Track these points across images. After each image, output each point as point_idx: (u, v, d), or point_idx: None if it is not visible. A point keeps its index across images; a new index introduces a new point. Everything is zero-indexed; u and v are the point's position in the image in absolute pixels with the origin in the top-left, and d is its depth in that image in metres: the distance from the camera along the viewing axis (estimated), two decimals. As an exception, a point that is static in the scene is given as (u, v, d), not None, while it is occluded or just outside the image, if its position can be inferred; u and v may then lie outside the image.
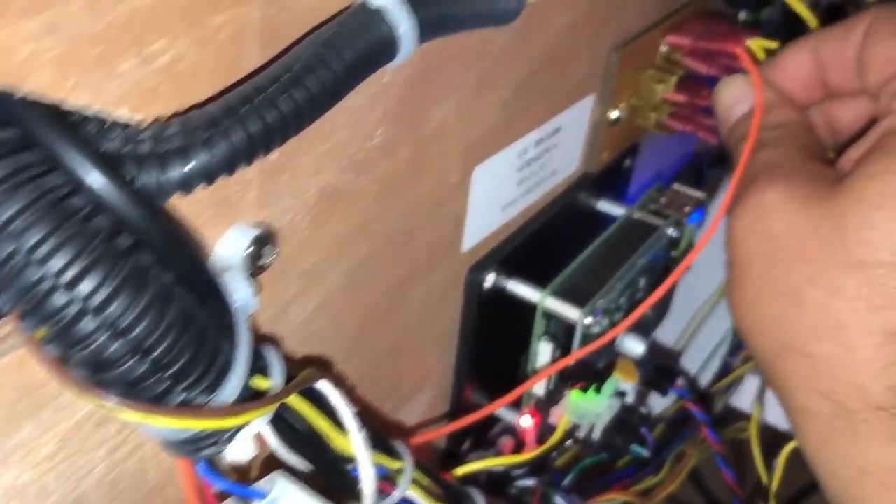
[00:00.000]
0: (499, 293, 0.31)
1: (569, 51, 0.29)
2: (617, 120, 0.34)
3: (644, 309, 0.30)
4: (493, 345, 0.33)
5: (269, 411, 0.18)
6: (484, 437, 0.36)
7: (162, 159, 0.15)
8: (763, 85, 0.28)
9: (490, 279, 0.30)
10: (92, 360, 0.14)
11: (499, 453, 0.34)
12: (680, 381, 0.38)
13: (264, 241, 0.19)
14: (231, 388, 0.17)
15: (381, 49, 0.18)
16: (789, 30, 0.42)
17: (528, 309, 0.32)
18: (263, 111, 0.16)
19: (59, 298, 0.14)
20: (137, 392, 0.15)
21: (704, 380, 0.53)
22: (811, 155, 0.25)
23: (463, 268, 0.29)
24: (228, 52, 0.16)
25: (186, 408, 0.16)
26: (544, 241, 0.34)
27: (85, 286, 0.14)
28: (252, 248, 0.18)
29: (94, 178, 0.14)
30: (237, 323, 0.17)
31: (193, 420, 0.16)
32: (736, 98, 0.28)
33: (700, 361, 0.54)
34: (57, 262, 0.14)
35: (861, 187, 0.22)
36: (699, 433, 0.47)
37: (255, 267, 0.18)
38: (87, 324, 0.14)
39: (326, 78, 0.17)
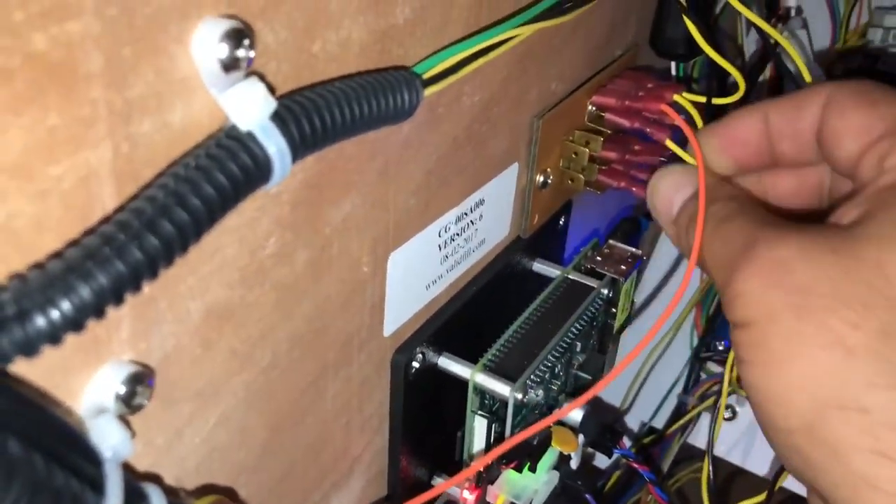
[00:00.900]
0: (429, 371, 0.31)
1: (485, 126, 0.29)
2: (545, 184, 0.34)
3: (593, 394, 0.29)
4: (427, 421, 0.32)
5: (145, 565, 0.17)
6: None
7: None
8: (705, 151, 0.28)
9: (418, 359, 0.30)
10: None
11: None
12: (625, 440, 0.38)
13: (140, 378, 0.18)
14: (98, 550, 0.16)
15: (253, 174, 0.17)
16: (720, 84, 0.42)
17: (460, 384, 0.31)
18: (128, 249, 0.15)
19: None
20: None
21: (660, 421, 0.53)
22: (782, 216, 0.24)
23: (387, 351, 0.29)
24: (76, 200, 0.15)
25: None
26: (477, 311, 0.33)
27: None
28: (126, 388, 0.17)
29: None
30: (107, 475, 0.16)
31: None
32: (675, 186, 0.28)
33: (655, 402, 0.53)
34: None
35: (891, 230, 0.21)
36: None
37: (130, 407, 0.17)
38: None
39: (194, 209, 0.16)
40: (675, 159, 0.33)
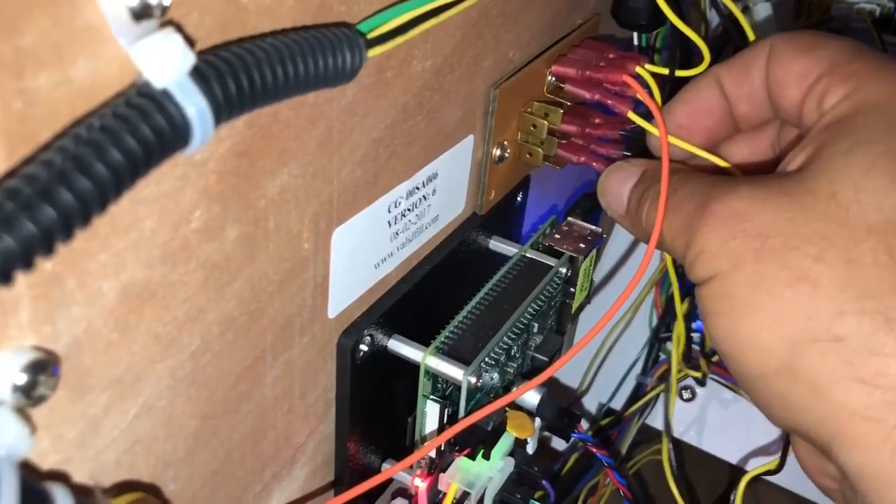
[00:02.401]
0: (378, 354, 0.29)
1: (438, 93, 0.27)
2: (502, 157, 0.32)
3: (549, 375, 0.28)
4: (377, 406, 0.30)
5: (46, 576, 0.15)
6: (375, 499, 0.33)
7: None
8: (671, 125, 0.28)
9: (367, 341, 0.28)
10: None
11: (392, 518, 0.32)
12: (582, 424, 0.37)
13: (42, 366, 0.16)
14: (-13, 562, 0.14)
15: (168, 137, 0.15)
16: (683, 54, 0.41)
17: (412, 367, 0.29)
18: (18, 219, 0.13)
19: None
20: None
21: (618, 402, 0.52)
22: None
23: (333, 334, 0.27)
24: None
25: None
26: (432, 290, 0.31)
27: None
28: (26, 377, 0.15)
29: None
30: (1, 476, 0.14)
31: None
32: (621, 181, 0.27)
33: (613, 384, 0.52)
34: None
35: (841, 162, 0.21)
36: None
37: (31, 398, 0.16)
38: None
39: (98, 175, 0.14)
40: (638, 132, 0.32)
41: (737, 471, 0.53)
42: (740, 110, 0.27)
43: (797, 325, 0.20)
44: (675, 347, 0.45)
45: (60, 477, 0.18)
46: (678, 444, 0.52)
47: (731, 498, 0.43)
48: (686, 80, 0.38)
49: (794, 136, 0.27)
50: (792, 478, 0.50)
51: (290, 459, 0.27)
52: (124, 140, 0.14)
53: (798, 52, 0.24)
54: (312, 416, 0.28)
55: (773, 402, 0.21)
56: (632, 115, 0.32)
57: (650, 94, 0.31)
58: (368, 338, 0.28)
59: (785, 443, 0.44)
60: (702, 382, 0.49)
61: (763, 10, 0.45)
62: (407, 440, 0.32)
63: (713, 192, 0.22)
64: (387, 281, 0.29)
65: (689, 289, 0.44)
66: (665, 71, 0.34)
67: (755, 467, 0.39)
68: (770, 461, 0.42)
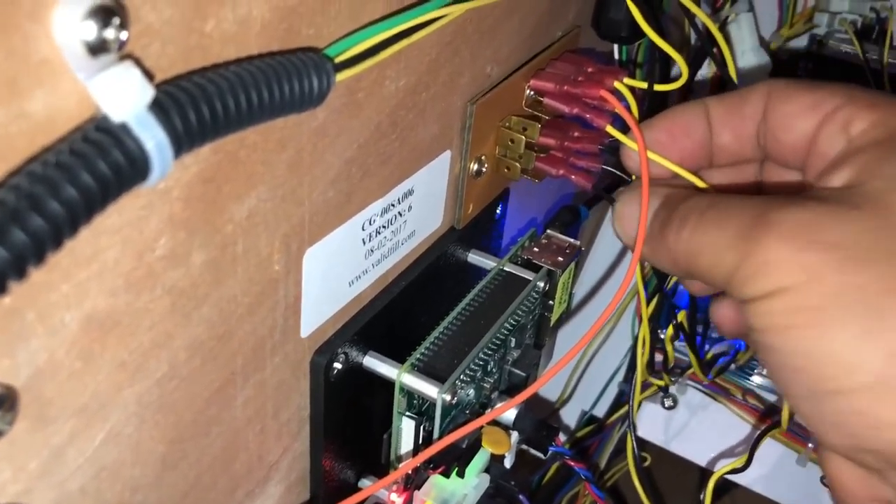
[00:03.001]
0: (353, 371, 0.29)
1: (412, 112, 0.27)
2: (479, 172, 0.32)
3: (527, 396, 0.28)
4: (351, 423, 0.30)
5: None
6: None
7: None
8: (648, 143, 0.28)
9: (341, 359, 0.28)
10: None
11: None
12: (560, 437, 0.37)
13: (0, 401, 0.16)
14: None
15: (125, 172, 0.15)
16: (663, 70, 0.41)
17: (387, 385, 0.29)
18: None
19: None
20: None
21: (601, 410, 0.52)
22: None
23: (306, 353, 0.27)
24: None
25: None
26: (407, 307, 0.31)
27: None
28: (-19, 413, 0.15)
29: None
30: (-47, 515, 0.14)
31: None
32: (638, 203, 0.27)
33: (596, 391, 0.52)
34: None
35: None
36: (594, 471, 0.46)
37: (-13, 434, 0.15)
38: None
39: (52, 213, 0.14)
40: (616, 147, 0.32)
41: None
42: (722, 141, 0.27)
43: (893, 336, 0.19)
44: (638, 353, 0.46)
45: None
46: (661, 453, 0.52)
47: (701, 497, 0.44)
48: (665, 94, 0.38)
49: (787, 171, 0.27)
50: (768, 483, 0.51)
51: (263, 478, 0.27)
52: (80, 177, 0.14)
53: (803, 89, 0.25)
54: (286, 435, 0.28)
55: (851, 419, 0.20)
56: (610, 129, 0.32)
57: (628, 108, 0.31)
58: (343, 356, 0.28)
59: (754, 443, 0.44)
60: (664, 391, 0.49)
61: (746, 21, 0.45)
62: (382, 457, 0.32)
63: (768, 206, 0.22)
64: (361, 298, 0.29)
65: (656, 293, 0.44)
66: (644, 85, 0.34)
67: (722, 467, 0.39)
68: (736, 460, 0.43)
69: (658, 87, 0.34)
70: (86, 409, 0.19)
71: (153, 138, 0.15)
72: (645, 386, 0.50)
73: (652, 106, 0.38)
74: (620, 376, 0.53)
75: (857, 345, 0.20)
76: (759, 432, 0.46)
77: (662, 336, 0.48)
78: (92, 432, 0.19)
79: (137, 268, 0.18)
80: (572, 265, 0.36)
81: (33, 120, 0.15)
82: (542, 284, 0.34)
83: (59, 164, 0.14)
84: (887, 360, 0.19)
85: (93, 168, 0.14)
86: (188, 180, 0.19)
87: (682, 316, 0.43)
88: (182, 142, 0.16)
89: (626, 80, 0.32)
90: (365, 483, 0.32)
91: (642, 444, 0.52)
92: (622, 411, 0.50)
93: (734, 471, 0.40)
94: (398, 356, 0.29)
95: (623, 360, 0.52)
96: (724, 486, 0.53)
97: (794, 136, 0.25)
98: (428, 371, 0.29)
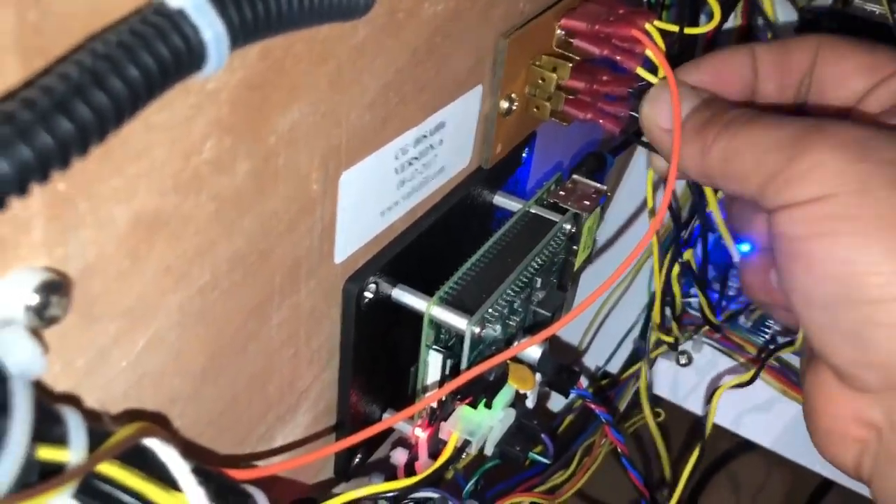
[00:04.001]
0: (383, 302, 0.29)
1: (448, 40, 0.27)
2: (509, 111, 0.32)
3: (554, 331, 0.28)
4: (380, 355, 0.31)
5: (59, 492, 0.15)
6: (375, 448, 0.34)
7: None
8: (682, 82, 0.28)
9: (371, 289, 0.28)
10: None
11: (392, 467, 0.32)
12: (582, 381, 0.37)
13: (54, 287, 0.16)
14: (1, 474, 0.14)
15: (183, 58, 0.15)
16: (692, 13, 0.40)
17: (415, 318, 0.29)
18: (35, 130, 0.13)
19: None
20: None
21: (615, 366, 0.53)
22: None
23: (338, 279, 0.27)
24: (-30, 71, 0.13)
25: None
26: (435, 242, 0.31)
27: None
28: (38, 298, 0.15)
29: None
30: (13, 393, 0.14)
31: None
32: (681, 97, 0.27)
33: (610, 347, 0.53)
34: None
35: None
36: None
37: (43, 319, 0.16)
38: None
39: (114, 91, 0.14)
40: (644, 92, 0.32)
41: (731, 436, 0.53)
42: (765, 89, 0.28)
43: None
44: (655, 308, 0.46)
45: (71, 401, 0.18)
46: (676, 411, 0.53)
47: (705, 410, 0.45)
48: (694, 37, 0.38)
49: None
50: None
51: (294, 405, 0.27)
52: (141, 57, 0.14)
53: (860, 49, 0.26)
54: (316, 363, 0.28)
55: (870, 330, 0.21)
56: (641, 72, 0.32)
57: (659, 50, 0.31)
58: (373, 285, 0.28)
59: (763, 361, 0.44)
60: (674, 346, 0.49)
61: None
62: (409, 390, 0.32)
63: (820, 121, 0.22)
64: (392, 230, 0.29)
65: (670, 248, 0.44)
66: (675, 28, 0.34)
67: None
68: (743, 375, 0.43)
69: (689, 31, 0.34)
70: (131, 311, 0.19)
71: (210, 27, 0.15)
72: (663, 341, 0.50)
73: (682, 49, 0.38)
74: (635, 333, 0.53)
75: (882, 264, 0.20)
76: (771, 347, 0.46)
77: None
78: (135, 336, 0.19)
79: (184, 169, 0.18)
80: (598, 210, 0.36)
81: (92, 0, 0.15)
82: (568, 227, 0.34)
83: (121, 43, 0.14)
84: None
85: (154, 50, 0.14)
86: (235, 84, 0.19)
87: (688, 254, 0.43)
88: (237, 34, 0.16)
89: (657, 23, 0.32)
90: (389, 417, 0.32)
91: (657, 400, 0.52)
92: (636, 367, 0.51)
93: (740, 384, 0.41)
94: (425, 290, 0.29)
95: (638, 316, 0.52)
96: (746, 446, 0.54)
97: (845, 94, 0.26)
98: (457, 304, 0.29)
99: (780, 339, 0.49)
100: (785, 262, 0.22)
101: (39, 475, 0.15)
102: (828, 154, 0.21)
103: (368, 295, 0.28)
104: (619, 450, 0.38)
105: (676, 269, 0.44)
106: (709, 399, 0.49)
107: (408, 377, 0.32)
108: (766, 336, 0.49)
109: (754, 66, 0.28)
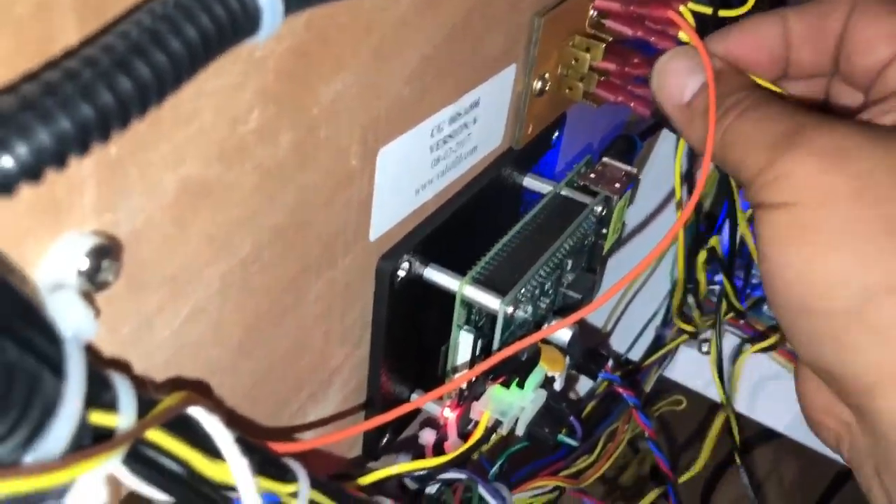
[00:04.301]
0: (415, 281, 0.29)
1: (485, 16, 0.26)
2: (542, 91, 0.32)
3: (587, 312, 0.28)
4: (410, 334, 0.30)
5: (110, 457, 0.15)
6: (403, 428, 0.34)
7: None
8: (712, 53, 0.27)
9: (404, 267, 0.28)
10: None
11: (420, 447, 0.32)
12: (609, 364, 0.37)
13: (105, 251, 0.16)
14: (57, 437, 0.14)
15: (239, 20, 0.15)
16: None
17: (446, 297, 0.29)
18: (96, 88, 0.13)
19: None
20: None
21: (637, 353, 0.52)
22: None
23: (372, 257, 0.27)
24: (33, 30, 0.13)
25: (-9, 470, 0.13)
26: (465, 223, 0.31)
27: None
28: (89, 262, 0.15)
29: None
30: (68, 356, 0.14)
31: (4, 482, 0.13)
32: (688, 70, 0.27)
33: (632, 335, 0.52)
34: None
35: None
36: (631, 410, 0.46)
37: (94, 283, 0.15)
38: None
39: (170, 51, 0.14)
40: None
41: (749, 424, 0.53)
42: (799, 56, 0.27)
43: (880, 272, 0.20)
44: (675, 296, 0.46)
45: (119, 367, 0.18)
46: (695, 398, 0.52)
47: (729, 371, 0.45)
48: (728, 20, 0.37)
49: (853, 91, 0.27)
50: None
51: (326, 382, 0.27)
52: (199, 18, 0.14)
53: (890, 13, 0.24)
54: (349, 341, 0.28)
55: (821, 339, 0.21)
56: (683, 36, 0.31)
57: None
58: (406, 264, 0.28)
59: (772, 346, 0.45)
60: (694, 336, 0.49)
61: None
62: (438, 370, 0.32)
63: (809, 121, 0.22)
64: (425, 209, 0.29)
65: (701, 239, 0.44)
66: (708, 10, 0.33)
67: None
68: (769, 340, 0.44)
69: (723, 13, 0.34)
70: (175, 279, 0.19)
71: (265, -12, 0.15)
72: (682, 331, 0.50)
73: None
74: (657, 321, 0.52)
75: (846, 272, 0.20)
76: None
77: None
78: (178, 305, 0.19)
79: (230, 137, 0.18)
80: (628, 193, 0.35)
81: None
82: (599, 209, 0.34)
83: (179, 4, 0.14)
84: (863, 293, 0.20)
85: (212, 11, 0.14)
86: (282, 53, 0.19)
87: (714, 241, 0.43)
88: (293, 1, 0.16)
89: (690, 5, 0.32)
90: (417, 397, 0.32)
91: (678, 388, 0.52)
92: (659, 354, 0.50)
93: (763, 349, 0.42)
94: (455, 271, 0.29)
95: (661, 304, 0.52)
96: (767, 435, 0.54)
97: (870, 62, 0.25)
98: (489, 284, 0.29)
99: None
100: (758, 260, 0.23)
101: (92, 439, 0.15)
102: (799, 162, 0.21)
103: (401, 273, 0.28)
104: (647, 434, 0.38)
105: (703, 255, 0.44)
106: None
107: (436, 357, 0.32)
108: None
109: (785, 34, 0.27)
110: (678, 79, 0.26)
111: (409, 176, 0.27)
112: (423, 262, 0.29)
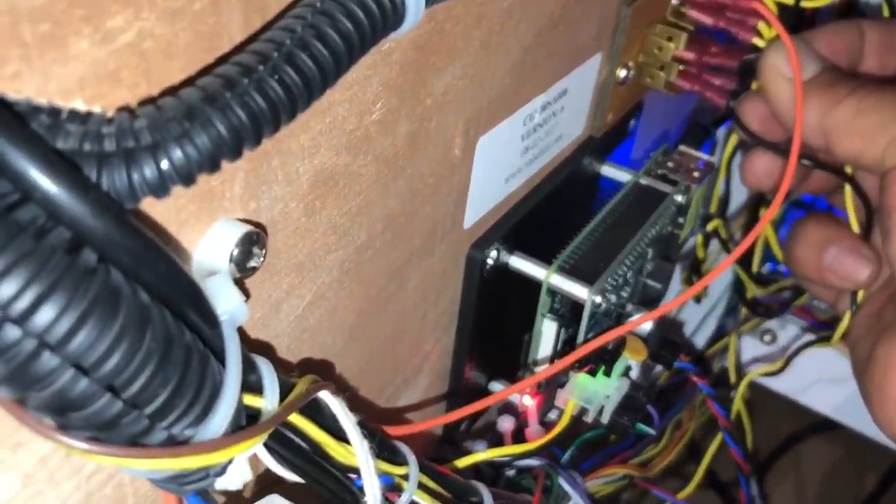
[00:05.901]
0: (501, 270, 0.29)
1: (579, 6, 0.26)
2: (625, 79, 0.32)
3: (678, 304, 0.28)
4: (494, 323, 0.31)
5: (264, 437, 0.16)
6: (481, 414, 0.34)
7: (129, 158, 0.12)
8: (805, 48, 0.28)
9: (493, 256, 0.28)
10: (55, 401, 0.12)
11: (498, 435, 0.33)
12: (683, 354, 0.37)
13: (254, 239, 0.16)
14: (221, 417, 0.14)
15: (386, 16, 0.15)
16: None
17: (532, 286, 0.29)
18: (252, 97, 0.13)
19: (9, 333, 0.11)
20: (112, 432, 0.13)
21: (699, 342, 0.52)
22: None
23: (464, 245, 0.27)
24: (206, 25, 0.13)
25: (170, 447, 0.13)
26: (548, 212, 0.31)
27: (42, 317, 0.11)
28: (240, 249, 0.16)
29: (47, 184, 0.11)
30: (226, 339, 0.15)
31: (179, 459, 0.13)
32: (805, 51, 0.28)
33: (694, 324, 0.52)
34: (5, 290, 0.11)
35: None
36: (695, 399, 0.46)
37: (244, 270, 0.16)
38: (47, 361, 0.12)
39: (324, 54, 0.14)
40: (752, 66, 0.32)
41: (811, 415, 0.53)
42: (868, 65, 0.29)
43: None
44: (746, 287, 0.45)
45: (262, 351, 0.18)
46: (756, 388, 0.52)
47: (732, 395, 0.45)
48: (808, 11, 0.37)
49: None
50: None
51: (417, 367, 0.28)
52: (355, 13, 0.14)
53: None
54: (439, 327, 0.28)
55: None
56: (757, 41, 0.31)
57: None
58: (495, 252, 0.28)
59: (793, 352, 0.44)
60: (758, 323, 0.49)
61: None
62: (520, 358, 0.33)
63: None
64: (512, 197, 0.29)
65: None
66: (790, 1, 0.33)
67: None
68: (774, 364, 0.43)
69: (805, 3, 0.33)
70: (302, 266, 0.19)
71: (412, -18, 0.15)
72: (748, 319, 0.49)
73: (797, 24, 0.37)
74: (719, 311, 0.52)
75: None
76: (801, 343, 0.45)
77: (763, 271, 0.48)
78: (303, 291, 0.20)
79: (357, 129, 0.19)
80: (706, 182, 0.35)
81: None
82: (679, 198, 0.34)
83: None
84: None
85: (364, 5, 0.15)
86: (405, 45, 0.19)
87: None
88: (432, -9, 0.16)
89: (774, -6, 0.32)
90: (497, 386, 0.32)
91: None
92: (721, 343, 0.50)
93: (768, 374, 0.42)
94: (540, 259, 0.30)
95: (721, 294, 0.52)
96: (826, 424, 0.53)
97: None
98: (575, 273, 0.29)
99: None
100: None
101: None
102: None
103: (490, 262, 0.28)
104: (721, 424, 0.38)
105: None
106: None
107: (516, 345, 0.33)
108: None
109: (861, 41, 0.29)
110: (783, 76, 0.28)
111: (502, 165, 0.27)
112: (508, 250, 0.29)
